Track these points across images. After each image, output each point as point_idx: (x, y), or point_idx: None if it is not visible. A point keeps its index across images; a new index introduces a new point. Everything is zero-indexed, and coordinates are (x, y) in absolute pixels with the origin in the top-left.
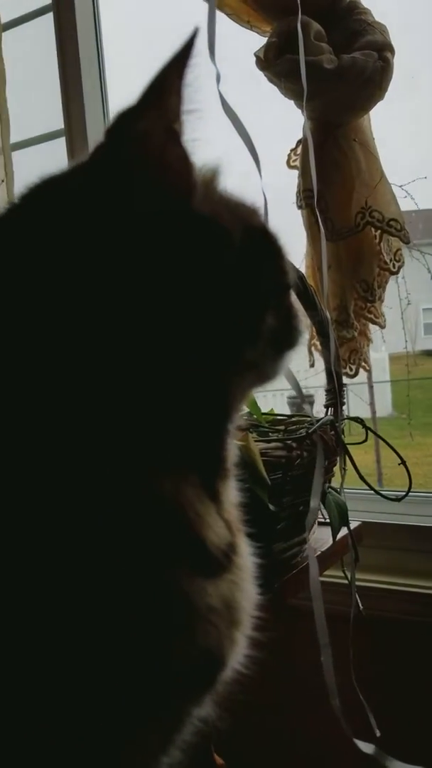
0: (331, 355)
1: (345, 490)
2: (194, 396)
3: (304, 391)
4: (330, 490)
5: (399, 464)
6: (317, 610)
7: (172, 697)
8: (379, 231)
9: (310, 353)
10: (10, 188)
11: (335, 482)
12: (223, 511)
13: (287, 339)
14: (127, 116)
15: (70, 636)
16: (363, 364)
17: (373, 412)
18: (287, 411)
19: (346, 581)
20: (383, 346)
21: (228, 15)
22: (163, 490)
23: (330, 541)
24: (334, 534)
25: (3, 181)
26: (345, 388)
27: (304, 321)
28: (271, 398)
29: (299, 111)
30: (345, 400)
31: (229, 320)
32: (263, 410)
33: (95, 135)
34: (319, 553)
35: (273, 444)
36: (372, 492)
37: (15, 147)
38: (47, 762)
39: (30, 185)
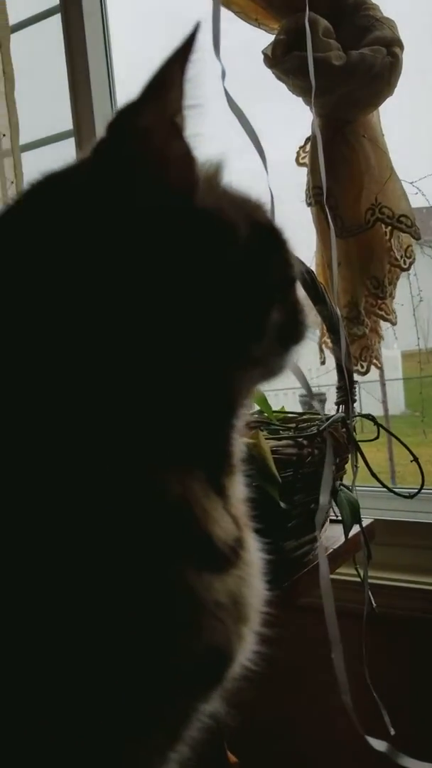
0: (341, 352)
1: (358, 488)
2: (199, 392)
3: (316, 389)
4: (342, 487)
5: (411, 461)
6: (327, 607)
7: (178, 693)
8: (389, 227)
9: (321, 351)
10: (20, 190)
11: (347, 480)
12: (229, 506)
13: (293, 334)
14: (129, 111)
15: (76, 632)
16: (374, 361)
17: (386, 409)
18: (299, 410)
19: (359, 579)
20: (395, 343)
21: (236, 13)
22: (168, 485)
23: (342, 539)
24: (346, 531)
25: (13, 182)
26: (356, 386)
27: (311, 316)
28: (283, 397)
29: (308, 109)
30: (356, 398)
31: (234, 316)
32: (274, 408)
33: None
34: (331, 550)
35: (284, 442)
36: (384, 489)
37: (24, 148)
38: (52, 757)
39: (32, 181)
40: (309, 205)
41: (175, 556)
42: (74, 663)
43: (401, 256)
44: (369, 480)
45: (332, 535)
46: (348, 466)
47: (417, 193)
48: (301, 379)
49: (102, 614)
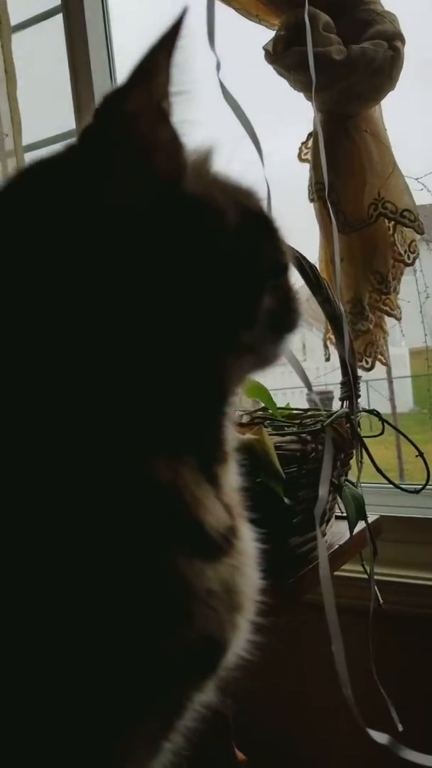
0: (345, 347)
1: (364, 485)
2: (188, 378)
3: (323, 387)
4: (346, 483)
5: (417, 456)
6: (327, 599)
7: (171, 682)
8: (392, 222)
9: (326, 347)
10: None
11: (353, 477)
12: (222, 494)
13: (286, 322)
14: (115, 96)
15: (64, 619)
16: (379, 357)
17: (393, 407)
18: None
19: (366, 575)
20: (403, 341)
21: (236, 10)
22: (158, 472)
23: (347, 535)
24: (351, 527)
25: None
26: (360, 381)
27: (316, 312)
28: (290, 395)
29: (310, 106)
30: (360, 393)
31: (224, 303)
32: (281, 407)
33: None
34: (336, 547)
35: (287, 437)
36: (391, 486)
37: (27, 149)
38: (43, 747)
39: (19, 168)
40: (311, 200)
41: (165, 543)
42: (67, 649)
43: (405, 251)
44: (376, 477)
45: (338, 531)
46: (353, 462)
47: (422, 189)
48: (298, 370)
49: (90, 599)
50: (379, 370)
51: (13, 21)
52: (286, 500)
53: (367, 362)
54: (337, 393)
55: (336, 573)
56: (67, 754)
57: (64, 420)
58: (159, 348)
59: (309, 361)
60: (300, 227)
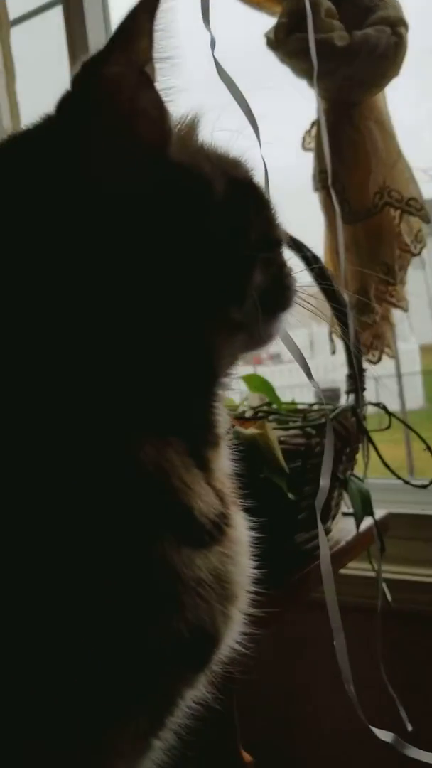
0: (350, 339)
1: (373, 481)
2: (176, 356)
3: (331, 384)
4: (352, 477)
5: (425, 450)
6: (328, 590)
7: (160, 676)
8: (398, 212)
9: (331, 340)
10: None
11: (360, 472)
12: (213, 480)
13: (279, 299)
14: (96, 61)
15: (45, 607)
16: (386, 350)
17: (403, 403)
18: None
19: (374, 573)
20: (412, 337)
21: None
22: (144, 455)
23: (354, 532)
24: (358, 522)
25: None
26: (365, 375)
27: (323, 303)
28: (298, 392)
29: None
30: (366, 386)
31: (212, 277)
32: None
33: None
34: (342, 543)
35: (291, 432)
36: (400, 483)
37: None
38: (28, 743)
39: None
40: (316, 190)
41: (150, 529)
42: (44, 636)
43: (411, 241)
44: (385, 474)
45: (344, 528)
46: (360, 458)
47: (431, 182)
48: (296, 355)
49: (71, 586)
50: (389, 367)
51: (12, 14)
52: (290, 495)
53: (374, 355)
54: (344, 389)
55: (344, 571)
56: (50, 744)
57: (47, 398)
58: (144, 323)
59: (317, 357)
60: (305, 219)
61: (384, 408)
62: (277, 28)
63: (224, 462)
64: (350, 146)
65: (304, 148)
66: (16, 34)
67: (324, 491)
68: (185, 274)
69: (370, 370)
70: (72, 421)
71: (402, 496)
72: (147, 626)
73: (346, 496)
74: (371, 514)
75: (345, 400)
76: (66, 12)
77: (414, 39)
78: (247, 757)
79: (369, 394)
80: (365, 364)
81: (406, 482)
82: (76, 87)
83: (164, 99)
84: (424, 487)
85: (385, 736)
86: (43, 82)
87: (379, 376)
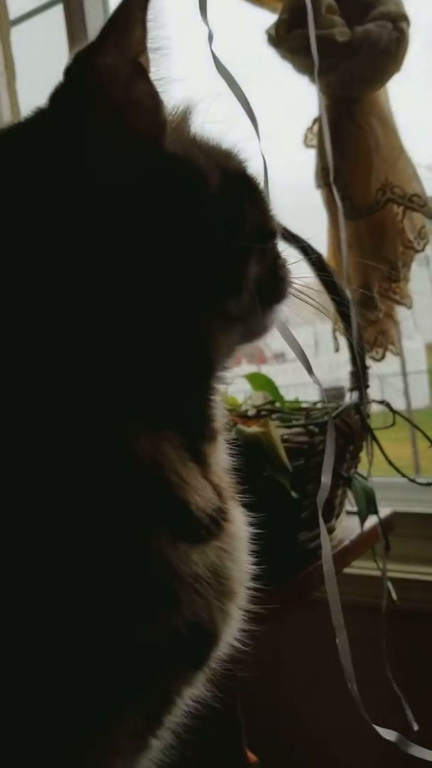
0: (353, 336)
1: (377, 480)
2: (172, 349)
3: (336, 383)
4: (356, 476)
5: (429, 447)
6: (330, 588)
7: (157, 673)
8: (401, 208)
9: (335, 338)
10: None
11: (364, 471)
12: (211, 474)
13: (274, 291)
14: (89, 52)
15: (39, 602)
16: (390, 347)
17: (408, 401)
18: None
19: (378, 572)
20: (417, 335)
21: None
22: (140, 448)
23: (359, 531)
24: (362, 520)
25: None
26: (369, 372)
27: (327, 302)
28: (303, 391)
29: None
30: (369, 384)
31: (208, 268)
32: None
33: None
34: (347, 542)
35: (294, 430)
36: (404, 481)
37: None
38: (23, 742)
39: None
40: (318, 187)
41: (148, 525)
42: (45, 640)
43: (415, 238)
44: (389, 472)
45: (349, 527)
46: (364, 456)
47: None
48: (298, 353)
49: (65, 581)
50: (394, 365)
51: (13, 14)
52: (293, 494)
53: (378, 352)
54: (348, 386)
55: (349, 570)
56: (44, 741)
57: (41, 390)
58: (140, 316)
59: (321, 356)
60: (307, 216)
61: (388, 405)
62: (278, 25)
63: (221, 456)
64: (352, 142)
65: (306, 145)
66: (17, 33)
67: (325, 488)
68: (180, 267)
69: (375, 368)
70: (67, 412)
71: (407, 495)
72: (142, 621)
73: (350, 494)
74: (376, 512)
75: (349, 398)
76: (66, 11)
77: (416, 34)
78: (252, 757)
79: (374, 393)
80: (369, 362)
81: (411, 480)
82: (68, 79)
83: (159, 90)
84: (430, 485)
85: (389, 735)
86: (43, 81)
87: (384, 374)
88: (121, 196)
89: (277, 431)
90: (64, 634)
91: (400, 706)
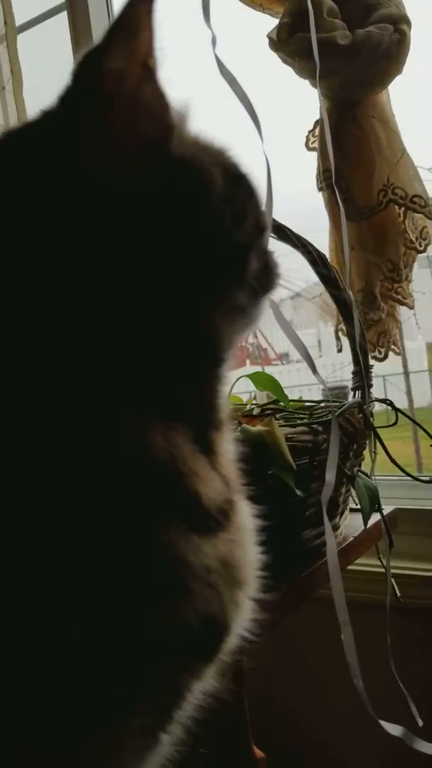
0: (356, 336)
1: (380, 478)
2: (180, 342)
3: (338, 383)
4: (360, 474)
5: (431, 446)
6: (335, 584)
7: (169, 667)
8: (403, 209)
9: (337, 338)
10: None
11: (367, 469)
12: (218, 465)
13: (266, 281)
14: (97, 54)
15: (51, 601)
16: (392, 347)
17: (411, 400)
18: None
19: (382, 569)
20: (419, 335)
21: (240, 0)
22: (152, 441)
23: (362, 528)
24: (365, 518)
25: None
26: (372, 371)
27: (329, 303)
28: (307, 391)
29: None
30: (372, 383)
31: (215, 265)
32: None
33: None
34: (351, 539)
35: (298, 429)
36: (408, 479)
37: None
38: (28, 741)
39: None
40: (320, 189)
41: (159, 516)
42: (55, 634)
43: (417, 238)
44: (392, 470)
45: (352, 524)
46: (367, 454)
47: None
48: (302, 351)
49: (78, 573)
50: (396, 365)
51: (19, 20)
52: (297, 492)
53: (380, 352)
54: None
55: (353, 567)
56: (53, 735)
57: (51, 387)
58: (150, 310)
59: (325, 357)
60: (309, 219)
61: (390, 404)
62: (279, 28)
63: (227, 446)
64: (354, 144)
65: (308, 147)
66: (22, 40)
67: (330, 486)
68: (188, 265)
69: (378, 368)
70: (79, 407)
71: (410, 492)
72: (155, 614)
73: (354, 492)
74: (379, 510)
75: (352, 397)
76: (71, 17)
77: (417, 36)
78: (258, 753)
79: (377, 392)
80: (371, 361)
81: (414, 478)
82: (76, 80)
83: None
84: (430, 481)
85: (394, 730)
86: (49, 87)
87: (386, 374)
88: (129, 199)
89: (282, 430)
90: (75, 627)
91: (405, 703)
